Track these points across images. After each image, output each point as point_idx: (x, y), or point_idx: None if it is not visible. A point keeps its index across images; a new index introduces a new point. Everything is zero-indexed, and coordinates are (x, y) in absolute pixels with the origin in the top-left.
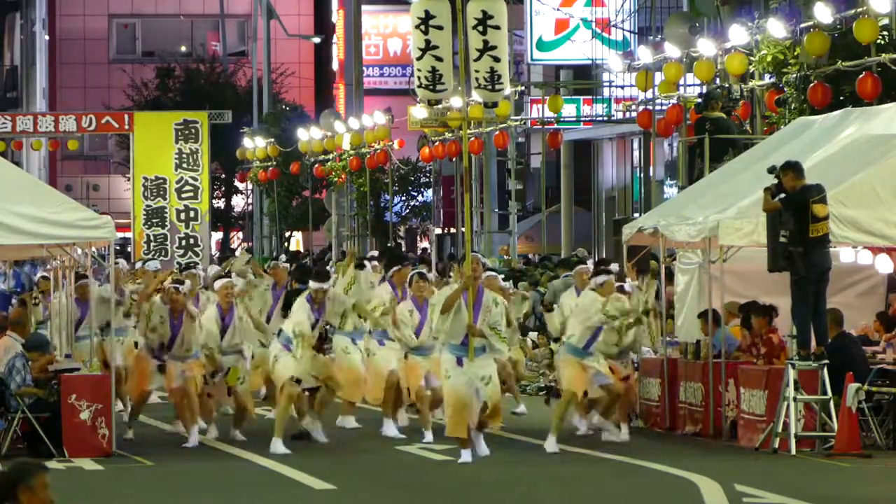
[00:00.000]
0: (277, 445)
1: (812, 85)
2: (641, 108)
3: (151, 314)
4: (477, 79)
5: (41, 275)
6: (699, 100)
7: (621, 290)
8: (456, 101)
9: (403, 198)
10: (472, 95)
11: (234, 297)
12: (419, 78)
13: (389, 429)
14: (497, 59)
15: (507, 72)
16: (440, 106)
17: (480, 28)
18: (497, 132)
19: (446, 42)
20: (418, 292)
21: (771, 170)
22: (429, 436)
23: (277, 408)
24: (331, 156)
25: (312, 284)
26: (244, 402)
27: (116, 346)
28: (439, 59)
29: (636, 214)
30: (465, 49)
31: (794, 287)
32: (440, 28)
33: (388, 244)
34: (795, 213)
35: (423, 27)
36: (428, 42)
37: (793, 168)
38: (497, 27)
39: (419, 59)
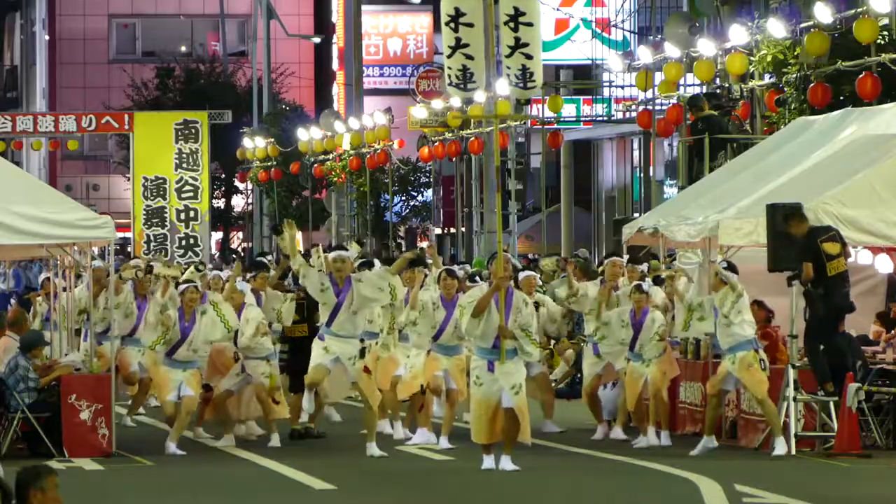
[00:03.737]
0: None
1: (812, 85)
2: (641, 108)
3: (170, 328)
4: (509, 76)
5: (45, 276)
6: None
7: (639, 288)
8: (455, 101)
9: (403, 198)
10: (472, 95)
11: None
12: (449, 76)
13: (421, 436)
14: (529, 57)
15: (539, 68)
16: (441, 107)
17: (512, 25)
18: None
19: (477, 40)
20: (446, 290)
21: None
22: (445, 441)
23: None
24: (331, 156)
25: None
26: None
27: (135, 355)
28: (470, 56)
29: (636, 214)
30: (485, 44)
31: (810, 325)
32: (471, 25)
33: (388, 244)
34: (812, 258)
35: (452, 25)
36: (458, 40)
37: (795, 213)
38: (530, 24)
39: (449, 56)
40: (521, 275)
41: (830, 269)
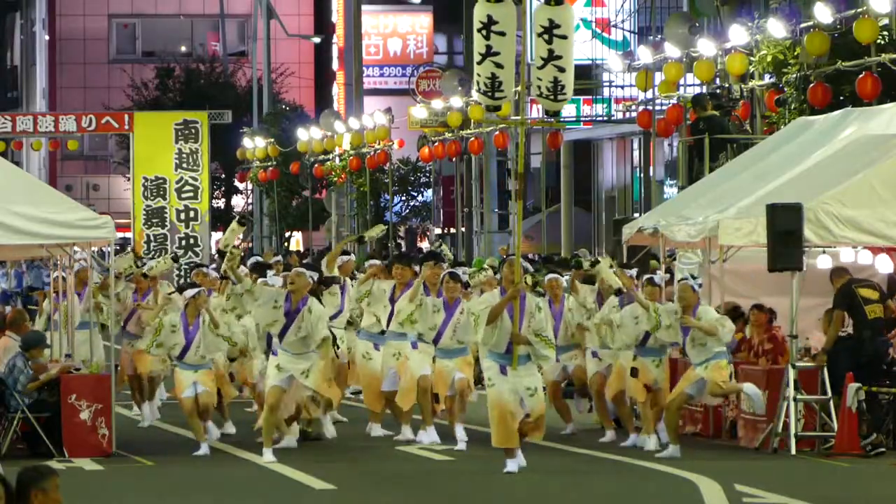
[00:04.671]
0: (267, 454)
1: (812, 85)
2: (641, 108)
3: (162, 328)
4: (539, 87)
5: (56, 275)
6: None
7: (651, 282)
8: (456, 101)
9: (403, 198)
10: (472, 95)
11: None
12: (478, 83)
13: (427, 436)
14: (562, 70)
15: (571, 81)
16: (441, 107)
17: (546, 37)
18: (497, 132)
19: (508, 48)
20: (449, 293)
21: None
22: (462, 444)
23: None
24: (331, 156)
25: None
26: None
27: (130, 351)
28: (500, 65)
29: (636, 214)
30: (526, 55)
31: (857, 374)
32: (502, 34)
33: (388, 244)
34: (850, 306)
35: (484, 32)
36: (489, 48)
37: (836, 270)
38: (564, 37)
39: (479, 63)
40: (547, 277)
41: (870, 312)
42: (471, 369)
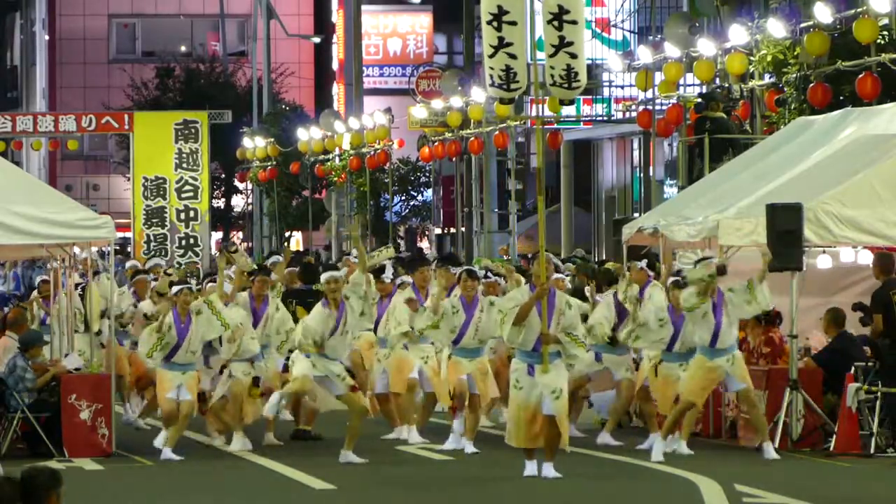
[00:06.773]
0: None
1: (812, 85)
2: (641, 108)
3: (167, 333)
4: (552, 76)
5: (42, 278)
6: (700, 100)
7: (678, 284)
8: (456, 101)
9: (403, 198)
10: (472, 96)
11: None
12: (491, 76)
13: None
14: (574, 56)
15: (584, 68)
16: (441, 107)
17: (556, 23)
18: (497, 132)
19: (520, 38)
20: (467, 291)
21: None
22: (470, 446)
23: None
24: (331, 156)
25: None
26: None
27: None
28: (513, 56)
29: (636, 214)
30: (533, 44)
31: (884, 374)
32: (514, 24)
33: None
34: (882, 309)
35: (495, 23)
36: (501, 39)
37: (882, 257)
38: (574, 22)
39: (491, 56)
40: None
41: None
42: (486, 380)
